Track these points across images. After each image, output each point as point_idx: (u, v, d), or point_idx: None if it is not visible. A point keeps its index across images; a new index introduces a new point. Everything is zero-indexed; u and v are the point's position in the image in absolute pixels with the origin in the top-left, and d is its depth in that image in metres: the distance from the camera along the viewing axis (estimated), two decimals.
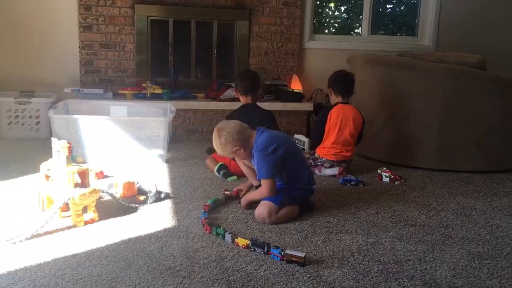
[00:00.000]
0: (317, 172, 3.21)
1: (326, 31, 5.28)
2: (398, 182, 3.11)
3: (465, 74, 3.37)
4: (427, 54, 3.95)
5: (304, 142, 3.63)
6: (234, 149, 2.37)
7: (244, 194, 2.61)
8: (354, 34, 5.25)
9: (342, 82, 3.35)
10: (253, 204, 2.44)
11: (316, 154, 3.30)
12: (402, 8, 5.47)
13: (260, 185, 2.44)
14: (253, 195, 2.48)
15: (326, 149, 3.27)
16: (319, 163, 3.27)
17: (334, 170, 3.21)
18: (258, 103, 3.30)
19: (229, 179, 3.02)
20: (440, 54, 3.82)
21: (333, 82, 3.38)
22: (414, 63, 3.50)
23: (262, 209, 2.32)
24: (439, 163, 3.45)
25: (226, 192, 2.67)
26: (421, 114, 3.45)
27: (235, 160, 2.76)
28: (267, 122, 3.08)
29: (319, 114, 3.47)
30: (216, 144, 2.40)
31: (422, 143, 3.47)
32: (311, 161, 3.29)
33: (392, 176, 3.13)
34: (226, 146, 2.36)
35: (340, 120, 3.25)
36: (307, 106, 4.33)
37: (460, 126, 3.41)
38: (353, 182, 3.03)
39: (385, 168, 3.23)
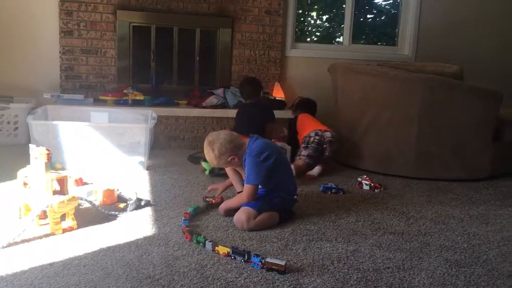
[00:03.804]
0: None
1: (308, 39, 5.32)
2: (378, 190, 3.14)
3: (443, 83, 3.43)
4: (406, 63, 4.01)
5: (286, 150, 3.64)
6: (229, 159, 2.41)
7: (220, 193, 2.70)
8: (335, 43, 5.31)
9: (310, 107, 4.07)
10: (231, 212, 2.44)
11: (304, 140, 3.56)
12: (382, 18, 5.55)
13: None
14: (231, 202, 2.49)
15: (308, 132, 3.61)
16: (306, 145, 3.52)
17: (318, 169, 3.40)
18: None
19: (203, 163, 3.20)
20: (419, 64, 3.88)
21: (303, 106, 4.11)
22: (393, 73, 3.55)
23: (240, 215, 2.33)
24: (418, 171, 3.50)
25: (207, 199, 2.67)
26: (400, 122, 3.50)
27: None
28: (267, 116, 3.51)
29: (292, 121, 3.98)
30: (210, 157, 2.44)
31: (402, 152, 3.52)
32: (302, 148, 3.53)
33: (372, 184, 3.16)
34: (220, 157, 2.41)
35: (310, 118, 3.83)
36: (289, 114, 4.35)
37: (437, 135, 3.46)
38: (333, 190, 3.05)
39: (365, 176, 3.27)
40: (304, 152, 3.47)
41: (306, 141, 3.54)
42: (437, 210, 2.82)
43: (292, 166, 3.23)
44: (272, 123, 3.59)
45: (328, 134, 3.53)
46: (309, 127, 3.65)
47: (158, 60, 4.46)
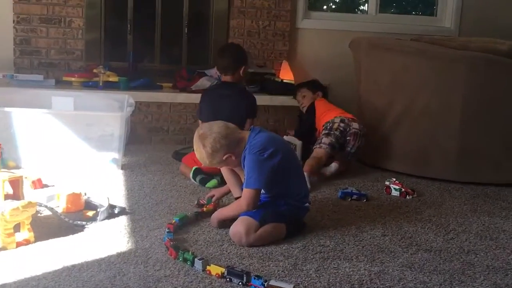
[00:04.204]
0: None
1: (325, 7, 5.32)
2: (410, 196, 3.15)
3: (493, 64, 3.43)
4: (447, 38, 4.01)
5: (295, 145, 3.65)
6: (224, 157, 2.40)
7: (215, 200, 2.71)
8: (359, 12, 5.31)
9: (325, 91, 4.02)
10: (227, 222, 2.45)
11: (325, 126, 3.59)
12: None
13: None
14: (227, 210, 2.50)
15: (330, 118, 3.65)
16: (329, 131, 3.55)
17: (335, 166, 3.46)
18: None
19: (208, 185, 3.06)
20: (463, 39, 3.88)
21: (319, 86, 4.03)
22: (430, 50, 3.55)
23: (238, 226, 2.33)
24: (461, 173, 3.50)
25: (199, 201, 2.68)
26: (439, 112, 3.50)
27: None
28: (248, 108, 3.33)
29: (309, 109, 3.88)
30: (201, 154, 2.42)
31: (440, 149, 3.52)
32: (322, 135, 3.55)
33: (403, 189, 3.16)
34: (213, 155, 2.39)
35: (330, 104, 3.85)
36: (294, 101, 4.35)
37: (486, 127, 3.46)
38: (354, 196, 3.05)
39: (394, 179, 3.27)
40: (325, 140, 3.48)
41: (328, 127, 3.55)
42: (483, 222, 2.82)
43: (307, 166, 3.24)
44: (252, 119, 3.39)
45: (355, 125, 3.56)
46: (333, 113, 3.66)
47: (136, 33, 4.47)
